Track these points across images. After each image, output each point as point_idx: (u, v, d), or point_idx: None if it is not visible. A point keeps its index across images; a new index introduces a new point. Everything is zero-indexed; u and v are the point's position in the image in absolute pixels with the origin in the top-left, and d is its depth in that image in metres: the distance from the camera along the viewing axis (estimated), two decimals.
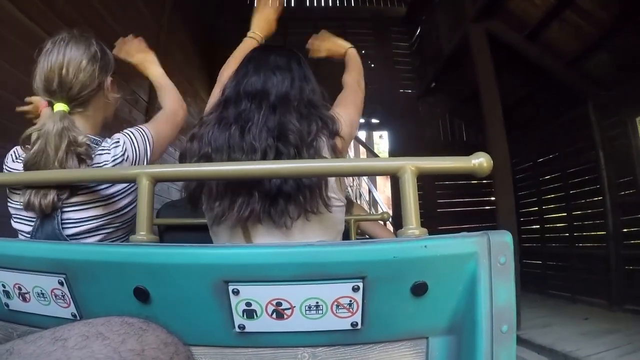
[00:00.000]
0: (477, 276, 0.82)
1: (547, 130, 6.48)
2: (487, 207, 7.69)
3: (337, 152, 1.21)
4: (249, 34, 1.78)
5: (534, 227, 7.11)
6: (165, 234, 2.32)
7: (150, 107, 4.64)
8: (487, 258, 0.83)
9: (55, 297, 0.89)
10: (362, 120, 8.48)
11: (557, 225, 6.65)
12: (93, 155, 1.23)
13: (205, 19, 7.47)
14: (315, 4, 9.09)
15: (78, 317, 0.89)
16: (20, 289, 0.91)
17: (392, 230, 3.35)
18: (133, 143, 1.29)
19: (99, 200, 1.22)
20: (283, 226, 1.11)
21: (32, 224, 1.20)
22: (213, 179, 1.11)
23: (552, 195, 6.65)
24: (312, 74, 1.37)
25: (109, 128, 1.45)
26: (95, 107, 1.33)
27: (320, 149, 1.17)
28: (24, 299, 0.91)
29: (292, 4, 9.07)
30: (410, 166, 0.87)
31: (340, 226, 1.27)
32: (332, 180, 1.18)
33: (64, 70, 1.22)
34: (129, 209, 1.28)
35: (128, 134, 1.31)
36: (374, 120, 8.34)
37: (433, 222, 7.20)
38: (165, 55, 4.92)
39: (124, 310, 0.84)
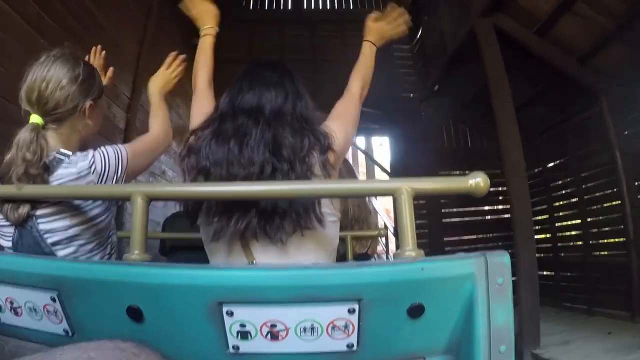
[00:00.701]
0: (475, 297, 0.87)
1: (558, 132, 6.38)
2: (502, 216, 7.66)
3: (329, 167, 1.26)
4: (202, 32, 1.82)
5: (546, 236, 7.00)
6: (171, 249, 2.39)
7: (132, 103, 4.63)
8: (485, 279, 0.87)
9: (48, 312, 0.93)
10: (361, 126, 8.54)
11: (571, 233, 6.53)
12: (58, 168, 1.29)
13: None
14: (312, 7, 9.15)
15: (70, 334, 0.93)
16: (12, 302, 0.95)
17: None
18: (104, 159, 1.35)
19: (69, 211, 1.27)
20: (279, 241, 1.17)
21: (10, 238, 1.26)
22: (207, 198, 1.17)
23: (565, 202, 6.50)
24: (305, 90, 1.45)
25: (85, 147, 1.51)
26: (71, 126, 1.40)
27: (312, 166, 1.23)
28: (16, 313, 0.96)
29: (289, 6, 9.16)
30: (406, 187, 0.92)
31: (335, 241, 1.33)
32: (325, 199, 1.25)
33: (43, 85, 1.31)
34: (99, 220, 1.33)
35: (101, 150, 1.37)
36: (374, 126, 8.30)
37: (440, 233, 7.29)
38: (153, 47, 4.97)
39: (116, 328, 0.88)
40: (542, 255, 6.79)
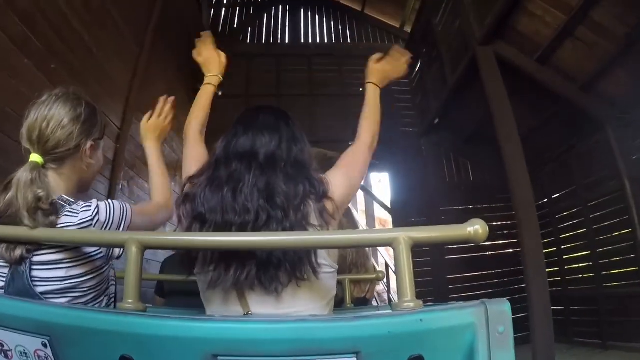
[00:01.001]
0: (476, 347, 0.88)
1: (562, 161, 6.40)
2: (506, 251, 7.62)
3: (327, 216, 1.28)
4: (205, 79, 1.92)
5: (553, 269, 6.81)
6: (170, 293, 2.40)
7: (122, 133, 4.63)
8: (485, 328, 0.88)
9: (39, 358, 0.94)
10: None
11: (580, 265, 6.45)
12: (60, 215, 1.30)
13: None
14: (310, 41, 9.54)
15: None
16: (2, 345, 0.96)
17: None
18: (108, 211, 1.36)
19: (67, 261, 1.28)
20: (274, 292, 1.19)
21: (4, 279, 1.26)
22: (202, 248, 1.19)
23: (572, 233, 6.41)
24: (303, 134, 1.47)
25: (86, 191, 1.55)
26: (71, 167, 1.42)
27: (308, 215, 1.26)
28: (6, 356, 0.96)
29: (287, 40, 9.53)
30: (404, 237, 0.94)
31: (332, 292, 1.33)
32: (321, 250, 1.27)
33: (44, 124, 1.34)
34: (97, 273, 1.34)
35: (108, 202, 1.38)
36: (372, 161, 8.39)
37: (444, 271, 7.21)
38: (145, 77, 5.03)
39: None
40: (551, 289, 6.74)
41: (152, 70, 5.35)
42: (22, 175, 1.29)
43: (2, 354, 0.96)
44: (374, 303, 4.50)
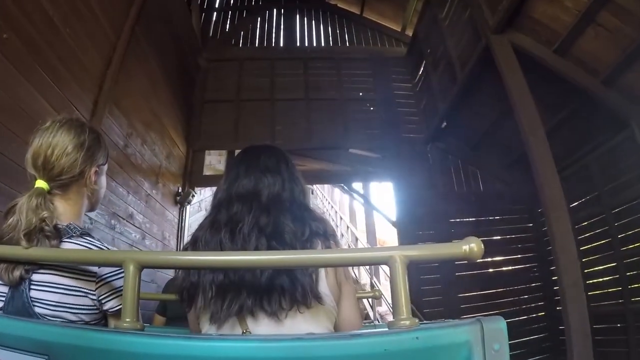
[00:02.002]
0: None
1: (583, 165, 6.30)
2: (520, 266, 7.56)
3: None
4: None
5: None
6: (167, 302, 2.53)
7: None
8: (481, 346, 0.97)
9: None
10: (359, 169, 8.71)
11: (604, 279, 6.18)
12: (62, 240, 1.43)
13: (183, 50, 7.81)
14: (306, 44, 9.73)
15: None
16: None
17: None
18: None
19: (59, 287, 1.39)
20: (275, 316, 1.32)
21: (4, 299, 1.38)
22: (200, 268, 1.31)
23: (595, 244, 6.21)
24: (300, 175, 1.66)
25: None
26: (76, 192, 1.58)
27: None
28: None
29: (281, 43, 9.73)
30: (400, 255, 1.03)
31: (333, 317, 1.47)
32: (322, 278, 1.41)
33: (49, 151, 1.49)
34: (81, 311, 1.43)
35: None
36: (374, 170, 8.41)
37: (454, 289, 7.19)
38: (123, 70, 5.05)
39: None
40: None
41: (131, 62, 5.37)
42: (27, 200, 1.42)
43: None
44: (377, 323, 4.60)
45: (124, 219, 5.16)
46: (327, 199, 18.91)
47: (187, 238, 6.88)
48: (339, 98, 8.35)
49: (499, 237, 7.52)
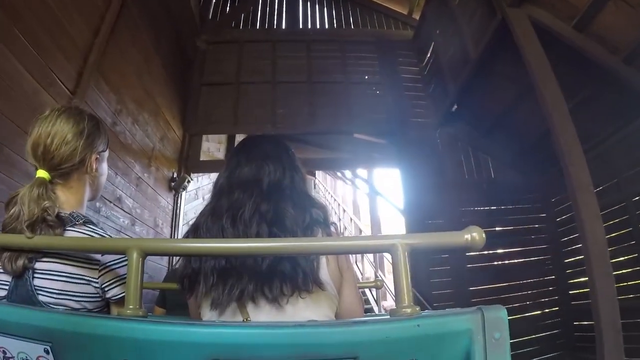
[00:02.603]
0: (472, 353, 1.03)
1: (602, 150, 6.13)
2: (534, 258, 7.52)
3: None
4: None
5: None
6: (167, 292, 2.64)
7: (75, 99, 4.35)
8: (482, 334, 1.04)
9: None
10: (364, 156, 8.74)
11: (626, 270, 6.03)
12: (65, 229, 1.51)
13: (181, 32, 7.86)
14: (309, 26, 9.75)
15: None
16: (4, 353, 1.12)
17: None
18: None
19: (62, 275, 1.47)
20: (275, 303, 1.40)
21: (7, 287, 1.45)
22: (204, 255, 1.39)
23: (615, 234, 6.02)
24: (300, 164, 1.75)
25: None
26: (78, 180, 1.66)
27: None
28: None
29: (283, 26, 9.75)
30: (402, 243, 1.09)
31: (334, 304, 1.54)
32: (323, 265, 1.50)
33: (48, 140, 1.56)
34: (88, 299, 1.51)
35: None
36: (379, 156, 8.47)
37: (465, 282, 7.19)
38: (111, 42, 5.05)
39: None
40: (585, 302, 6.45)
41: (122, 35, 5.40)
42: (29, 190, 1.50)
43: None
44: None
45: (110, 202, 5.17)
46: (329, 192, 18.95)
47: (182, 226, 6.86)
48: (343, 81, 8.38)
49: (511, 228, 7.52)
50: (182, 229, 7.13)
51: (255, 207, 1.49)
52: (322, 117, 7.98)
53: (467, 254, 6.97)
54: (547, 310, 7.24)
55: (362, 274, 11.79)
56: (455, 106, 7.52)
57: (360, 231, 13.16)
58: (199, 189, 8.80)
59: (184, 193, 7.52)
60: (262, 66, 8.45)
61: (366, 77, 8.58)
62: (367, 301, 9.34)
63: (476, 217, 7.49)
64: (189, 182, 7.56)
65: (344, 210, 15.82)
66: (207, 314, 1.47)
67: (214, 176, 9.26)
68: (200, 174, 8.39)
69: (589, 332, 6.08)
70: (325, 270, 1.51)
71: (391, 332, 1.03)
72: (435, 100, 8.25)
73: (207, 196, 8.32)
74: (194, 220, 1.62)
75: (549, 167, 6.93)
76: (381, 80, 8.53)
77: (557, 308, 7.24)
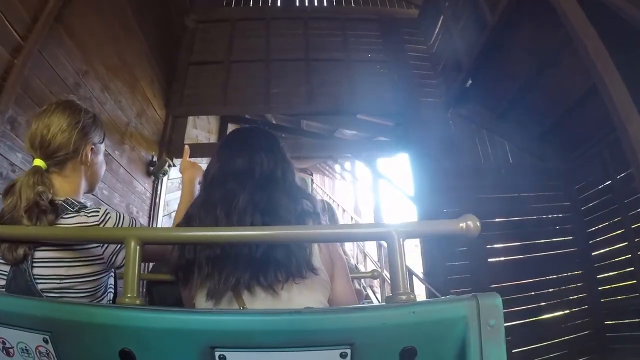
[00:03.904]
0: (467, 340, 1.18)
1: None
2: (561, 250, 7.37)
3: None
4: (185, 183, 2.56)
5: (622, 271, 6.56)
6: (153, 287, 2.86)
7: (26, 47, 4.12)
8: (477, 321, 1.18)
9: (40, 354, 1.25)
10: (368, 137, 8.78)
11: None
12: (64, 216, 1.73)
13: (168, 9, 7.98)
14: (306, 2, 9.83)
15: None
16: (4, 343, 1.27)
17: None
18: (118, 222, 1.82)
19: (64, 260, 1.67)
20: (271, 290, 1.57)
21: (6, 277, 1.65)
22: (201, 242, 1.56)
23: None
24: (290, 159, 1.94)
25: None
26: (73, 169, 1.90)
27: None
28: (8, 354, 1.27)
29: (278, 2, 9.83)
30: (397, 231, 1.25)
31: (327, 291, 1.72)
32: (315, 253, 1.68)
33: (45, 130, 1.83)
34: (89, 279, 1.73)
35: (119, 213, 1.85)
36: (386, 139, 8.53)
37: (485, 279, 7.06)
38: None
39: None
40: (617, 298, 6.63)
41: None
42: (25, 178, 1.73)
43: (4, 351, 1.27)
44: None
45: None
46: (327, 194, 19.20)
47: (162, 217, 6.85)
48: (344, 59, 8.42)
49: (534, 217, 7.45)
50: (162, 220, 7.18)
51: (249, 197, 1.66)
52: (321, 96, 8.00)
53: (487, 246, 7.32)
54: (575, 309, 7.06)
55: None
56: (470, 81, 7.40)
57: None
58: None
59: (165, 180, 7.48)
60: (255, 45, 8.50)
61: (369, 55, 8.59)
62: (366, 296, 9.55)
63: (495, 205, 7.39)
64: (170, 166, 7.41)
65: (344, 210, 16.12)
66: (203, 305, 1.63)
67: (202, 166, 9.38)
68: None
69: (623, 331, 6.34)
70: (317, 257, 1.69)
71: (387, 318, 1.17)
72: (446, 79, 8.21)
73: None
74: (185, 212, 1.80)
75: (571, 152, 7.06)
76: (386, 59, 8.56)
77: (585, 306, 7.05)
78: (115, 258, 1.78)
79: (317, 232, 1.47)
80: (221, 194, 1.72)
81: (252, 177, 1.76)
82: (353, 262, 9.45)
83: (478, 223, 1.27)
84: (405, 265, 1.27)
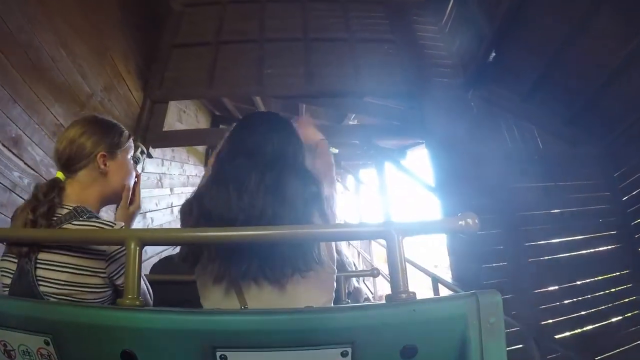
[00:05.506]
0: (467, 337, 1.36)
1: None
2: (604, 248, 7.27)
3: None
4: None
5: None
6: (155, 288, 3.14)
7: None
8: (477, 319, 1.36)
9: (41, 356, 1.43)
10: (372, 123, 8.85)
11: None
12: (73, 222, 1.99)
13: None
14: None
15: None
16: (5, 345, 1.45)
17: None
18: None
19: (68, 266, 1.91)
20: (277, 284, 1.82)
21: (12, 276, 1.91)
22: (202, 243, 1.80)
23: None
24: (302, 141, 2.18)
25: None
26: (87, 176, 2.23)
27: (312, 215, 1.91)
28: (9, 356, 1.45)
29: None
30: (396, 230, 1.44)
31: (332, 291, 1.97)
32: (322, 248, 1.90)
33: (58, 144, 2.20)
34: (89, 290, 1.96)
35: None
36: (397, 124, 8.38)
37: (524, 284, 7.00)
38: None
39: None
40: None
41: None
42: (41, 186, 2.06)
43: (5, 354, 1.47)
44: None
45: None
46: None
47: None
48: (347, 39, 8.44)
49: (575, 209, 7.32)
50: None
51: (260, 177, 1.91)
52: (321, 77, 7.97)
53: (526, 243, 7.21)
54: (628, 315, 6.92)
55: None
56: (494, 54, 7.44)
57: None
58: (164, 176, 8.63)
59: (138, 169, 7.18)
60: (248, 27, 8.52)
61: (375, 35, 8.60)
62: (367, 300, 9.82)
63: (530, 195, 7.26)
64: (143, 153, 6.79)
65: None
66: (210, 288, 1.89)
67: (187, 167, 9.56)
68: (169, 160, 8.55)
69: None
70: (324, 248, 1.93)
71: (387, 317, 1.36)
72: (462, 58, 8.24)
73: (177, 189, 8.26)
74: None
75: (606, 134, 6.98)
76: (393, 39, 8.55)
77: (638, 311, 6.91)
78: (116, 278, 2.01)
79: (317, 232, 1.68)
80: (232, 172, 1.96)
81: (263, 157, 2.00)
82: (351, 260, 9.73)
83: (477, 220, 1.46)
84: (405, 263, 1.46)
